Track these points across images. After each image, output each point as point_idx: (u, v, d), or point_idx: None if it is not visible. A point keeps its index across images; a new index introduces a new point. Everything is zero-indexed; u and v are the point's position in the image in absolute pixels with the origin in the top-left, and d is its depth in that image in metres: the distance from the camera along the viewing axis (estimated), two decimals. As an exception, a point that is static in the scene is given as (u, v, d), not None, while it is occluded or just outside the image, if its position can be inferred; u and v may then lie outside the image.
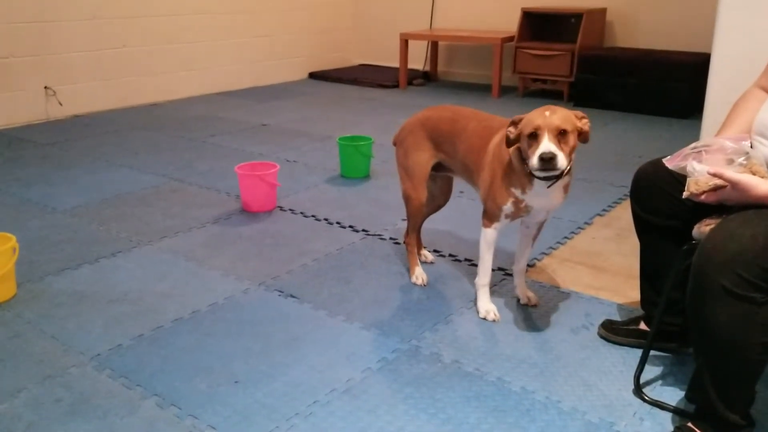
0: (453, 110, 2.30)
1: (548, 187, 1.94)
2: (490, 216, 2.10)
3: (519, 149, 1.95)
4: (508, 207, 2.03)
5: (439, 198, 2.54)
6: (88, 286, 2.41)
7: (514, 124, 1.90)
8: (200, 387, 1.82)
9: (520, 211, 2.04)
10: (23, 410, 1.73)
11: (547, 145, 1.79)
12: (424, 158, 2.31)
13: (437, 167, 2.34)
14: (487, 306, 2.20)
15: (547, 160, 1.78)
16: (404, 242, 2.54)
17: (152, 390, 1.81)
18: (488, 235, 2.13)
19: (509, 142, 1.93)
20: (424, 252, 2.63)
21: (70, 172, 3.73)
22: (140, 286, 2.41)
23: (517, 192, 2.00)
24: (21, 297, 2.32)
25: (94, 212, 3.13)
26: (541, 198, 1.99)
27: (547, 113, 1.82)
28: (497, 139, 2.07)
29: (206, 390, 1.81)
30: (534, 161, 1.80)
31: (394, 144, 2.44)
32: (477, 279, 2.23)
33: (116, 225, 2.97)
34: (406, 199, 2.40)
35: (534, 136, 1.82)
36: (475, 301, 2.25)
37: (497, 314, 2.18)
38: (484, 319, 2.18)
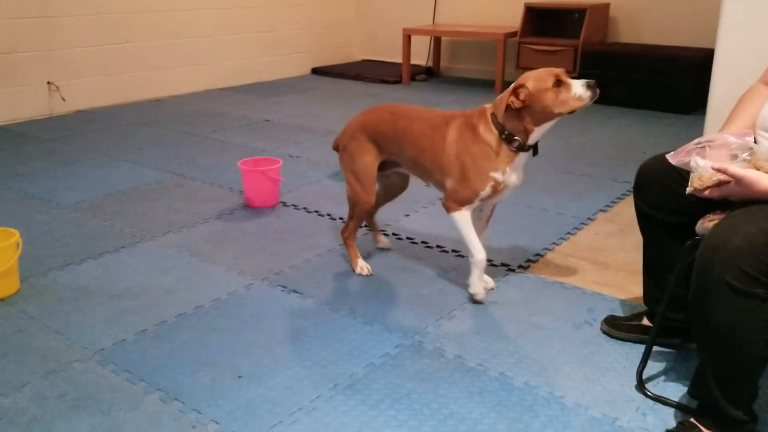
0: (390, 110, 2.33)
1: (534, 155, 2.11)
2: (463, 201, 2.16)
3: (499, 130, 2.05)
4: (486, 191, 2.11)
5: (396, 188, 2.58)
6: (91, 281, 2.42)
7: (516, 93, 2.00)
8: (204, 381, 1.83)
9: (496, 193, 2.13)
10: (27, 404, 1.74)
11: (578, 80, 1.97)
12: (369, 161, 2.33)
13: (385, 165, 2.37)
14: (477, 287, 2.23)
15: (594, 85, 1.96)
16: (343, 237, 2.52)
17: (156, 385, 1.81)
18: (464, 216, 2.18)
19: (507, 112, 2.03)
20: (383, 238, 2.68)
21: (73, 168, 3.74)
22: (144, 281, 2.41)
23: (498, 174, 2.09)
24: (25, 292, 2.33)
25: (98, 207, 3.13)
26: (515, 175, 2.12)
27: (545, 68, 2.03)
28: (455, 133, 2.15)
29: (210, 384, 1.82)
30: (581, 93, 1.96)
31: (335, 149, 2.46)
32: (473, 258, 2.18)
33: (120, 220, 2.98)
34: (355, 202, 2.40)
35: (559, 83, 1.97)
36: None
37: (493, 282, 2.28)
38: (474, 296, 2.23)
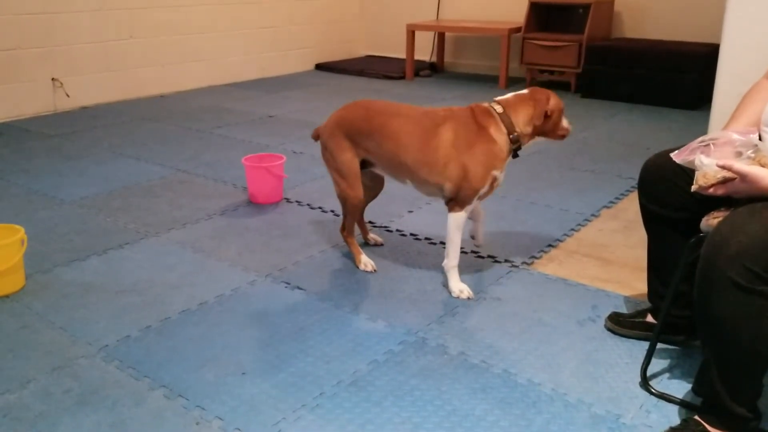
0: (366, 107, 2.34)
1: (514, 158, 2.25)
2: (463, 202, 2.22)
3: (509, 132, 2.18)
4: (485, 188, 2.20)
5: (373, 189, 2.58)
6: (96, 277, 2.42)
7: (546, 105, 2.20)
8: (207, 378, 1.83)
9: (492, 189, 2.25)
10: (32, 400, 1.74)
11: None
12: (350, 157, 2.34)
13: (363, 164, 2.38)
14: (459, 285, 2.29)
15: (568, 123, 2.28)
16: (343, 236, 2.53)
17: (160, 381, 1.82)
18: (460, 219, 2.25)
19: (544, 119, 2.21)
20: (373, 235, 2.70)
21: (77, 164, 3.74)
22: (148, 277, 2.42)
23: (497, 172, 2.21)
24: (30, 288, 2.34)
25: (102, 203, 3.14)
26: (504, 170, 2.26)
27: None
28: (452, 134, 2.17)
29: (213, 381, 1.82)
30: (566, 125, 2.26)
31: (315, 139, 2.47)
32: (447, 262, 2.31)
33: (124, 216, 2.99)
34: (344, 198, 2.40)
35: (561, 113, 2.24)
36: (445, 283, 2.31)
37: (470, 292, 2.27)
38: (458, 298, 2.26)
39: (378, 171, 2.41)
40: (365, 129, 2.29)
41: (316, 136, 2.46)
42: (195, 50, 5.84)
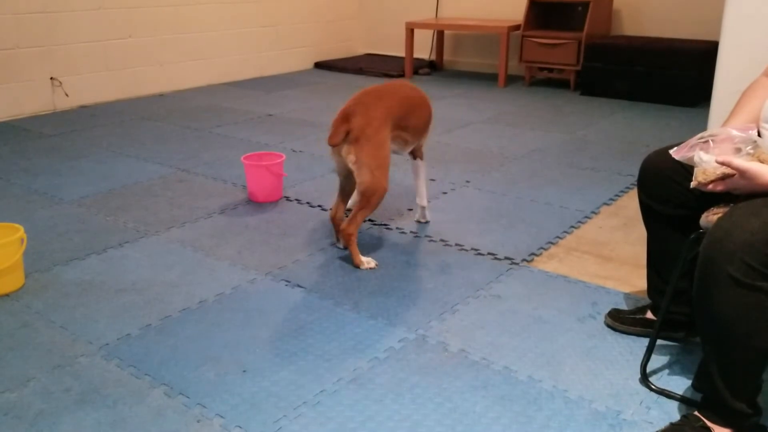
0: (394, 91, 2.53)
1: None
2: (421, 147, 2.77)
3: None
4: None
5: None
6: (95, 275, 2.42)
7: None
8: (208, 376, 1.84)
9: None
10: (33, 399, 1.74)
11: None
12: (389, 146, 2.47)
13: None
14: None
15: None
16: (348, 234, 2.46)
17: (160, 379, 1.82)
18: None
19: None
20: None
21: (77, 163, 3.74)
22: (148, 275, 2.42)
23: None
24: (29, 287, 2.34)
25: (102, 202, 3.14)
26: None
27: None
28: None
29: (214, 379, 1.82)
30: None
31: (335, 145, 2.38)
32: (422, 201, 2.80)
33: (123, 215, 2.99)
34: (375, 191, 2.37)
35: None
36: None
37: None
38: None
39: (394, 147, 2.57)
40: (412, 106, 2.56)
41: (344, 137, 2.35)
42: (194, 49, 5.83)
